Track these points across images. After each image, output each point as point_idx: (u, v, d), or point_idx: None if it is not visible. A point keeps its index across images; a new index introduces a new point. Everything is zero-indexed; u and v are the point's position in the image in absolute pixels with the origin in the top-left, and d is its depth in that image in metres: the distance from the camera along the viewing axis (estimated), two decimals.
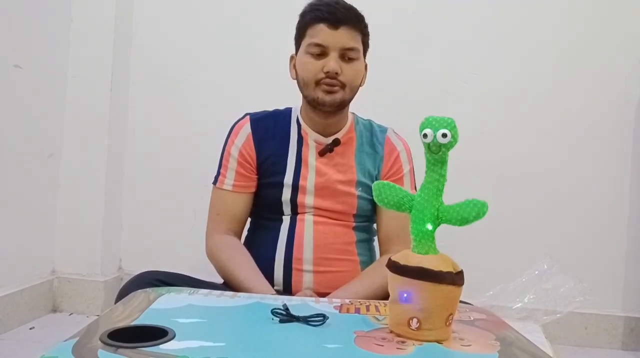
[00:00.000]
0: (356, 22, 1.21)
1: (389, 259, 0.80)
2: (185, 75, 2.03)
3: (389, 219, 1.28)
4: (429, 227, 0.78)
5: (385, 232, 1.29)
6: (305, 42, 1.22)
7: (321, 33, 1.19)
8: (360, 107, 1.34)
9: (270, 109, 1.36)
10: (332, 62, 1.18)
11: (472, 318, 0.90)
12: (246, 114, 1.33)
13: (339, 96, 1.21)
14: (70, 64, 1.93)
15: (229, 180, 1.28)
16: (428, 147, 0.77)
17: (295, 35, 1.26)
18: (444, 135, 0.75)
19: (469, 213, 0.75)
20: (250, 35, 1.99)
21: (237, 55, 2.00)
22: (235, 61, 2.00)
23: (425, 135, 0.76)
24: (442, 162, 0.78)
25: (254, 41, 1.98)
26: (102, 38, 1.93)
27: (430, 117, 0.78)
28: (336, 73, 1.19)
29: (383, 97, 1.83)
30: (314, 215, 1.25)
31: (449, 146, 0.76)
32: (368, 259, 1.30)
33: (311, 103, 1.23)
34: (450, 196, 0.81)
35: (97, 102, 1.93)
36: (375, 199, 0.84)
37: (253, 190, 1.29)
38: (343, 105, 1.24)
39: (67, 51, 1.92)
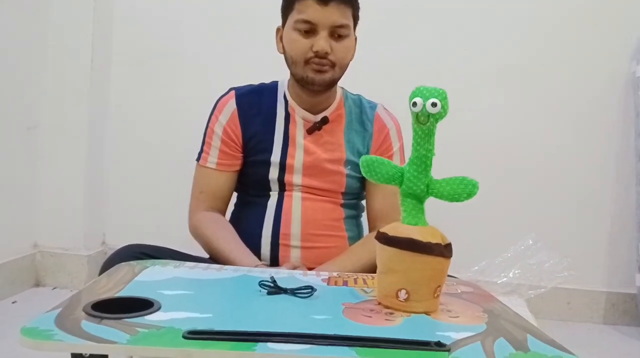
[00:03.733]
0: None
1: (378, 231, 0.80)
2: (170, 47, 1.98)
3: (379, 197, 1.28)
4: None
5: (375, 210, 1.29)
6: (292, 17, 1.17)
7: (310, 9, 1.14)
8: (349, 82, 1.31)
9: (257, 82, 1.32)
10: (321, 42, 1.14)
11: (459, 291, 0.91)
12: (231, 89, 1.29)
13: (328, 75, 1.18)
14: (50, 33, 1.87)
15: (212, 158, 1.25)
16: (416, 116, 0.76)
17: (282, 6, 1.21)
18: (434, 105, 0.74)
19: (460, 193, 0.75)
20: (237, 5, 1.94)
21: (223, 26, 1.95)
22: (221, 32, 1.95)
23: (414, 104, 0.75)
24: (430, 135, 0.76)
25: (240, 12, 1.94)
26: (82, 7, 1.87)
27: (421, 86, 0.76)
28: (326, 52, 1.15)
29: (373, 72, 1.81)
30: (302, 191, 1.24)
31: (438, 117, 0.75)
32: (356, 235, 1.30)
33: (299, 81, 1.20)
34: (438, 173, 0.80)
35: (78, 73, 1.89)
36: (365, 174, 0.82)
37: (238, 168, 1.27)
38: (332, 84, 1.21)
39: (46, 20, 1.86)
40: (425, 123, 0.75)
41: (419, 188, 0.77)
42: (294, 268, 1.12)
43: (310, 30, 1.15)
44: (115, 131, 2.01)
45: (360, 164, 0.83)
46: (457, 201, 0.76)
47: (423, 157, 0.77)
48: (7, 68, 1.72)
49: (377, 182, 0.82)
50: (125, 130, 2.01)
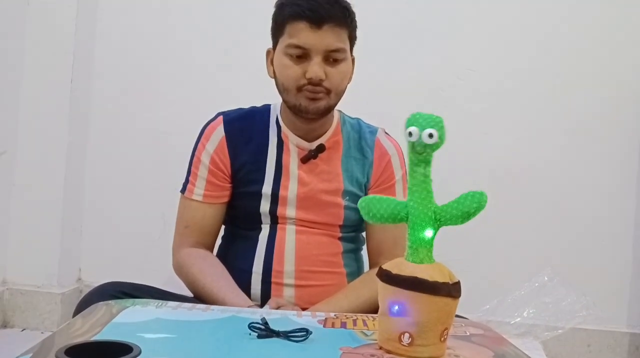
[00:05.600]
0: (341, 17, 1.15)
1: (380, 268, 0.80)
2: (155, 67, 2.00)
3: (380, 230, 1.27)
4: (429, 234, 0.77)
5: (376, 244, 1.28)
6: (283, 41, 1.17)
7: (301, 33, 1.13)
8: (348, 104, 1.32)
9: (249, 105, 1.33)
10: (315, 68, 1.13)
11: (468, 334, 0.90)
12: (219, 114, 1.29)
13: (323, 103, 1.18)
14: (27, 51, 1.89)
15: (198, 190, 1.25)
16: (412, 146, 0.77)
17: (272, 27, 1.22)
18: (430, 136, 0.76)
19: (469, 206, 0.76)
20: (226, 24, 1.97)
21: (212, 46, 1.98)
22: (210, 53, 1.98)
23: (410, 134, 0.77)
24: (426, 163, 0.78)
25: (230, 31, 1.97)
26: (62, 24, 1.90)
27: (417, 113, 0.78)
28: (320, 79, 1.15)
29: (374, 94, 1.83)
30: (296, 225, 1.23)
31: (435, 147, 0.77)
32: (355, 271, 1.29)
33: (292, 109, 1.20)
34: (443, 199, 0.81)
35: (57, 94, 1.90)
36: (365, 217, 0.82)
37: (226, 199, 1.26)
38: (328, 111, 1.21)
39: (22, 37, 1.89)
40: (422, 153, 0.77)
41: (427, 217, 0.78)
42: (278, 307, 1.11)
43: (302, 55, 1.15)
44: (95, 158, 2.02)
45: (359, 206, 0.83)
46: (470, 217, 0.77)
47: (422, 183, 0.79)
48: None
49: (382, 223, 0.82)
50: (105, 157, 2.02)
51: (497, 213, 1.87)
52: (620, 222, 1.93)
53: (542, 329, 1.30)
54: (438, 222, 0.78)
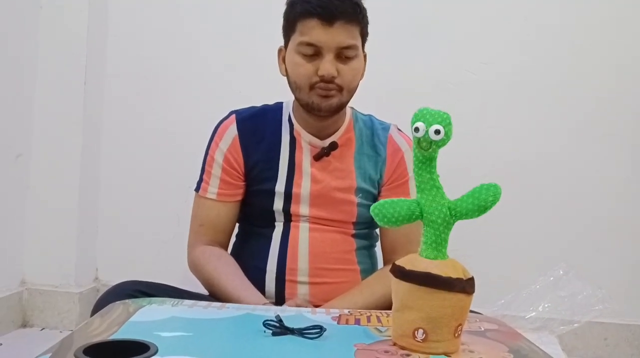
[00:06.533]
0: (353, 14, 1.15)
1: (393, 264, 0.80)
2: (167, 67, 2.01)
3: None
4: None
5: (390, 240, 1.28)
6: (295, 39, 1.18)
7: (313, 31, 1.14)
8: (359, 100, 1.32)
9: (260, 104, 1.34)
10: (327, 65, 1.14)
11: (482, 329, 0.90)
12: (231, 112, 1.30)
13: (335, 100, 1.18)
14: (40, 54, 1.91)
15: (212, 188, 1.26)
16: (418, 142, 0.77)
17: (284, 25, 1.22)
18: (437, 132, 0.75)
19: (485, 200, 0.76)
20: (236, 24, 1.98)
21: (224, 45, 1.98)
22: (222, 52, 1.99)
23: (416, 129, 0.76)
24: (431, 160, 0.78)
25: (242, 30, 1.97)
26: (75, 26, 1.91)
27: (424, 109, 0.78)
28: (332, 77, 1.15)
29: (384, 89, 1.83)
30: (309, 222, 1.24)
31: (441, 144, 0.76)
32: (369, 268, 1.30)
33: (304, 107, 1.21)
34: (455, 195, 0.81)
35: (70, 96, 1.91)
36: (380, 223, 0.82)
37: (240, 198, 1.27)
38: (340, 109, 1.22)
39: (36, 40, 1.91)
40: (427, 149, 0.77)
41: (442, 213, 0.78)
42: (297, 306, 1.12)
43: (314, 52, 1.16)
44: (110, 158, 2.03)
45: (371, 212, 0.82)
46: (486, 210, 0.76)
47: (429, 180, 0.79)
48: None
49: (398, 226, 0.81)
50: (119, 158, 2.03)
51: (510, 208, 1.85)
52: (635, 215, 1.91)
53: (557, 323, 1.29)
54: (453, 218, 0.78)
